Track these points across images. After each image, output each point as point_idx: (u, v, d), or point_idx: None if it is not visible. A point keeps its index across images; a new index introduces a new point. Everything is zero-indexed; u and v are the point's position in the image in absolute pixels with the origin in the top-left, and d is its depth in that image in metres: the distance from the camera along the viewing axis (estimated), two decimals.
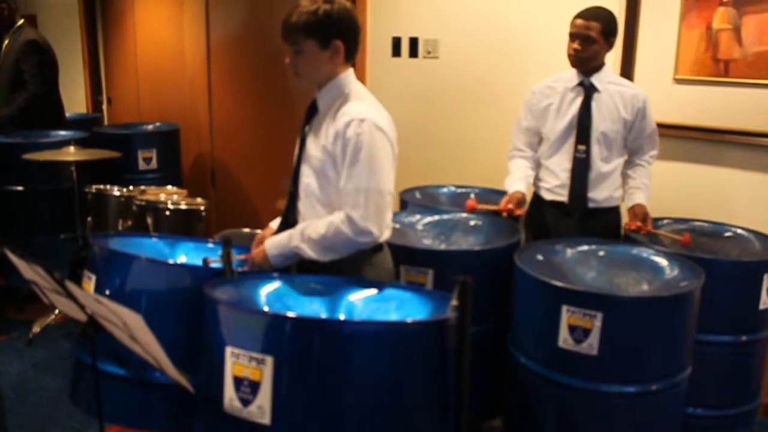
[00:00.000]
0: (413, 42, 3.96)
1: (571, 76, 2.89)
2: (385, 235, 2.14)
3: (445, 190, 3.63)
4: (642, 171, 2.92)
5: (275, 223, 2.39)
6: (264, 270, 2.17)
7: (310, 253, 2.08)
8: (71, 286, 1.66)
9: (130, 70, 5.72)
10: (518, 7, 3.58)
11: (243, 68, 4.88)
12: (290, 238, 2.12)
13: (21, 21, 4.41)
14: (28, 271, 1.78)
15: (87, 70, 5.89)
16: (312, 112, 2.21)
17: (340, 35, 2.10)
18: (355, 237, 2.03)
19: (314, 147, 2.15)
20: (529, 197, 3.03)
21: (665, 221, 2.98)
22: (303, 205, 2.20)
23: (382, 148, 2.05)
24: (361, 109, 2.08)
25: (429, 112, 3.97)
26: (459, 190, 3.64)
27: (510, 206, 2.85)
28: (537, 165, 3.04)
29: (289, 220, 2.26)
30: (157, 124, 5.17)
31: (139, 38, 5.57)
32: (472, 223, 3.04)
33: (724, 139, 3.12)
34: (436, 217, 3.07)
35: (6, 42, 4.41)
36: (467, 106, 3.85)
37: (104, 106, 5.98)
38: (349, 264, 2.12)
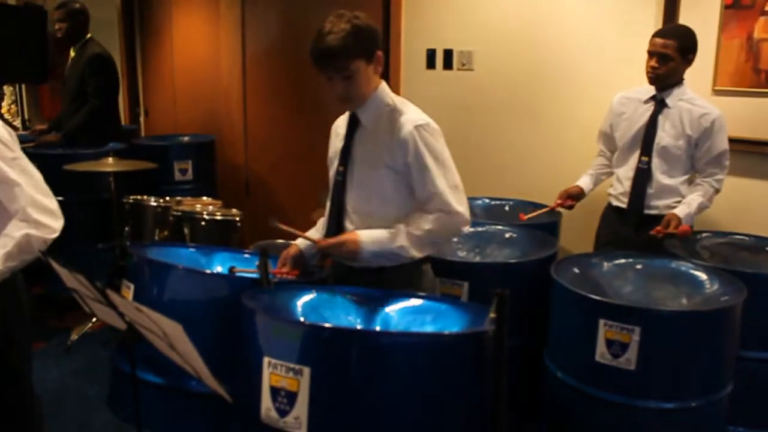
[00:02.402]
0: (448, 54, 3.96)
1: (649, 89, 2.97)
2: None
3: (479, 202, 3.62)
4: (698, 188, 2.92)
5: (301, 241, 2.27)
6: (306, 275, 2.20)
7: (413, 251, 2.10)
8: (112, 295, 1.68)
9: (167, 83, 5.81)
10: (552, 18, 3.56)
11: (278, 80, 4.93)
12: (392, 240, 2.08)
13: (89, 35, 4.49)
14: (71, 279, 1.81)
15: (125, 83, 5.99)
16: (353, 127, 2.17)
17: (377, 44, 2.07)
18: (461, 225, 2.12)
19: (371, 167, 2.11)
20: (597, 194, 3.23)
21: (704, 234, 2.94)
22: (356, 226, 2.15)
23: (446, 148, 2.12)
24: (417, 115, 2.11)
25: (463, 124, 3.96)
26: (493, 203, 3.63)
27: (559, 201, 3.17)
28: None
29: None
30: (193, 135, 5.25)
31: (176, 51, 5.67)
32: (507, 235, 3.02)
33: (765, 151, 3.06)
34: (471, 230, 3.05)
35: (72, 55, 4.51)
36: (501, 118, 3.83)
37: (141, 118, 6.08)
38: (403, 272, 2.15)
